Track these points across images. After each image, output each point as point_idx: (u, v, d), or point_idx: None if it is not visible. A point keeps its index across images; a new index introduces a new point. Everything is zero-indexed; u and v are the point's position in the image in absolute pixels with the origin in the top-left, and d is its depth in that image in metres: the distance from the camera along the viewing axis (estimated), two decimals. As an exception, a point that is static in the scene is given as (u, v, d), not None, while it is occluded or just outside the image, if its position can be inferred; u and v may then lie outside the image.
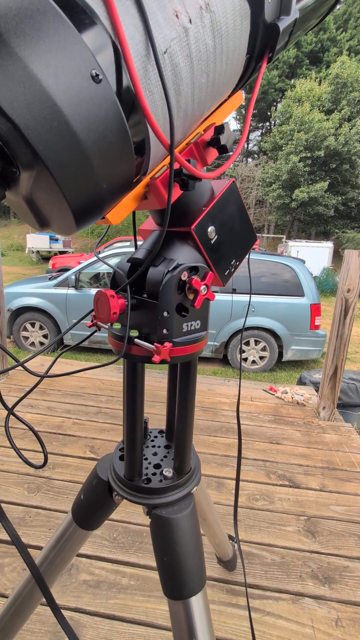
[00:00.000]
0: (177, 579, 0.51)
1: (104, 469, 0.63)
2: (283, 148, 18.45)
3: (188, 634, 0.50)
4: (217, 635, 0.97)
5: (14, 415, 0.48)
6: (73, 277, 4.22)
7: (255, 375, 4.24)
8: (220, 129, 0.42)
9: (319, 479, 1.65)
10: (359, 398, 2.82)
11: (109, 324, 0.47)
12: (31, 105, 0.25)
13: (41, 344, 4.43)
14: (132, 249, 0.56)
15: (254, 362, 4.37)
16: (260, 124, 30.09)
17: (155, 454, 0.64)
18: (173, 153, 0.35)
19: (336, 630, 0.99)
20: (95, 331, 0.52)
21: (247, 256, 0.58)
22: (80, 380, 2.64)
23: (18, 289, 4.44)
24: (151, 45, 0.31)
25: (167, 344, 0.45)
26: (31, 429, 0.53)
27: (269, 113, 26.44)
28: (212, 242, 0.51)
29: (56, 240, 15.29)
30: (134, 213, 0.55)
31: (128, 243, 6.67)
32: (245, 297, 4.16)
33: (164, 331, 0.46)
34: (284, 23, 0.42)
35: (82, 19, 0.27)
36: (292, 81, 24.68)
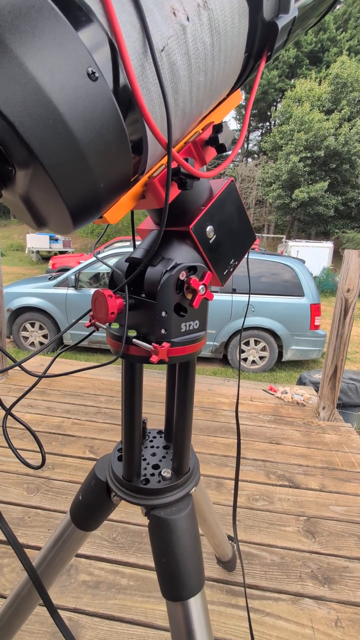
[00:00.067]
0: (176, 581, 0.51)
1: (103, 469, 0.63)
2: (283, 148, 18.46)
3: (186, 635, 0.50)
4: (216, 635, 0.96)
5: (12, 415, 0.48)
6: (73, 277, 4.22)
7: (255, 376, 4.24)
8: (218, 128, 0.42)
9: (318, 479, 1.65)
10: (359, 398, 2.82)
11: (107, 324, 0.47)
12: (27, 103, 0.25)
13: (41, 344, 4.42)
14: (132, 249, 0.55)
15: (253, 362, 4.37)
16: (260, 124, 30.09)
17: (154, 454, 0.64)
18: (170, 152, 0.35)
19: (336, 630, 0.99)
20: (94, 331, 0.52)
21: (246, 256, 0.58)
22: (80, 381, 2.63)
23: (18, 289, 4.43)
24: (148, 43, 0.30)
25: (165, 344, 0.44)
26: (29, 429, 0.52)
27: (269, 113, 26.45)
28: (211, 241, 0.50)
29: (56, 240, 15.30)
30: (132, 212, 0.55)
31: (128, 243, 6.67)
32: (245, 297, 4.16)
33: (162, 331, 0.45)
34: (282, 21, 0.42)
35: (78, 16, 0.27)
36: (292, 81, 24.68)
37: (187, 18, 0.33)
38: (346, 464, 1.78)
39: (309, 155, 17.47)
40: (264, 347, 4.28)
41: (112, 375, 2.80)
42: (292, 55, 24.88)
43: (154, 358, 0.44)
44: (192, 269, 0.46)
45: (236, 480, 0.85)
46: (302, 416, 2.29)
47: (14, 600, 0.67)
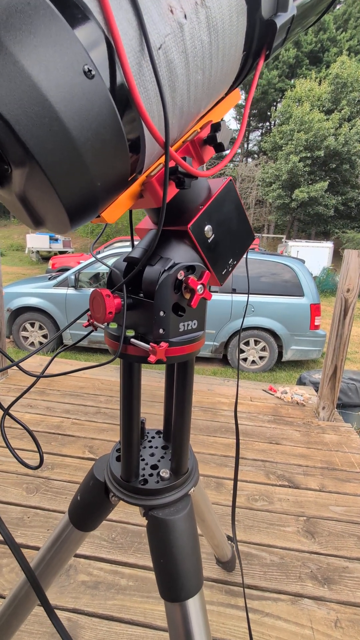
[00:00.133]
0: (174, 581, 0.51)
1: (101, 469, 0.63)
2: (283, 148, 18.45)
3: (185, 636, 0.50)
4: (215, 636, 0.96)
5: (10, 415, 0.48)
6: (72, 277, 4.22)
7: (255, 376, 4.23)
8: (216, 127, 0.42)
9: (318, 479, 1.64)
10: (359, 398, 2.82)
11: (105, 323, 0.47)
12: (22, 101, 0.25)
13: (41, 344, 4.42)
14: (131, 249, 0.55)
15: (253, 362, 4.36)
16: (260, 124, 30.08)
17: (152, 454, 0.64)
18: (168, 150, 0.35)
19: (335, 631, 0.99)
20: (92, 331, 0.52)
21: (244, 255, 0.58)
22: (80, 381, 2.63)
23: (18, 289, 4.43)
24: (145, 41, 0.30)
25: (163, 344, 0.44)
26: (26, 429, 0.52)
27: (268, 113, 26.44)
28: (209, 241, 0.50)
29: (56, 240, 15.30)
30: (130, 212, 0.54)
31: (127, 243, 6.67)
32: (245, 297, 4.16)
33: (160, 331, 0.45)
34: (281, 20, 0.42)
35: (74, 13, 0.27)
36: (292, 81, 24.66)
37: (185, 16, 0.33)
38: (346, 464, 1.78)
39: (309, 155, 17.46)
40: (264, 347, 4.28)
41: (111, 375, 2.80)
42: (292, 55, 24.87)
43: (151, 358, 0.44)
44: (190, 269, 0.46)
45: (235, 480, 0.85)
46: (302, 416, 2.29)
47: (12, 600, 0.66)
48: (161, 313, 0.45)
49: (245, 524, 1.35)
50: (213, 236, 0.50)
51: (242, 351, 4.33)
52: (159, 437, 0.70)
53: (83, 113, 0.27)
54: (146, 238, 0.53)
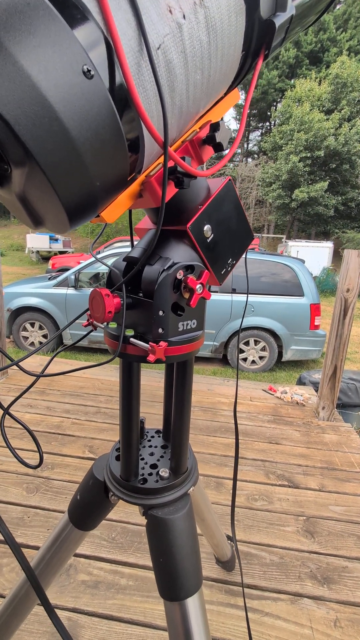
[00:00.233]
0: (173, 580, 0.51)
1: (100, 469, 0.63)
2: (283, 148, 18.45)
3: (184, 635, 0.50)
4: (215, 635, 0.96)
5: (10, 415, 0.48)
6: (72, 277, 4.22)
7: (254, 375, 4.23)
8: (215, 127, 0.42)
9: (318, 479, 1.64)
10: (359, 398, 2.82)
11: (105, 323, 0.47)
12: (22, 101, 0.25)
13: (41, 343, 4.42)
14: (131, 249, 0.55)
15: (253, 362, 4.36)
16: (260, 124, 30.08)
17: (152, 454, 0.64)
18: (167, 150, 0.35)
19: (335, 631, 0.99)
20: (92, 330, 0.52)
21: (244, 255, 0.58)
22: (80, 380, 2.63)
23: (18, 288, 4.44)
24: (144, 41, 0.30)
25: (163, 343, 0.44)
26: (26, 428, 0.52)
27: (268, 113, 26.44)
28: (208, 240, 0.50)
29: (56, 240, 15.30)
30: (130, 211, 0.55)
31: (127, 243, 6.67)
32: (245, 297, 4.16)
33: (160, 330, 0.45)
34: (280, 19, 0.42)
35: (73, 14, 0.27)
36: (292, 81, 24.66)
37: (184, 16, 0.33)
38: (346, 464, 1.78)
39: (309, 155, 17.46)
40: (264, 347, 4.28)
41: (111, 375, 2.80)
42: (292, 55, 24.87)
43: (151, 357, 0.44)
44: (189, 268, 0.46)
45: (234, 480, 0.85)
46: (302, 416, 2.29)
47: (12, 600, 0.67)
48: (160, 312, 0.45)
49: (245, 524, 1.35)
50: (212, 236, 0.51)
51: (242, 351, 4.33)
52: (159, 436, 0.70)
53: (82, 113, 0.28)
54: (145, 238, 0.53)
